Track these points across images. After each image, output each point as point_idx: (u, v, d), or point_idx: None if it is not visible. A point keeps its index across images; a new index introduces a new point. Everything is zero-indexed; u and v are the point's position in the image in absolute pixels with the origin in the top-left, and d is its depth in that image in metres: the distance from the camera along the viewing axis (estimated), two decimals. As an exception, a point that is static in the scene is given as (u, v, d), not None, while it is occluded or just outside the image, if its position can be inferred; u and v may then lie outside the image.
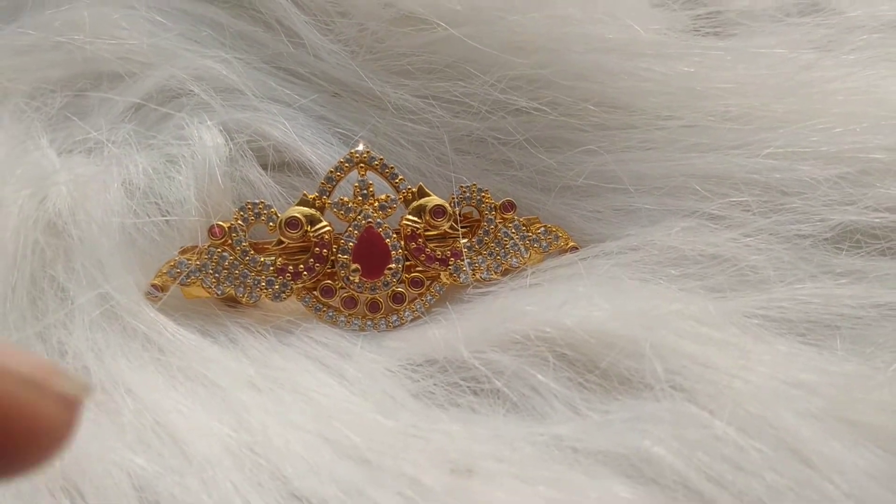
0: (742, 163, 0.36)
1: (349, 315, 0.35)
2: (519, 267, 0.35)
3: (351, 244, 0.34)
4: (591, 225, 0.37)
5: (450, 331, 0.34)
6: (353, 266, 0.34)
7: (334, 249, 0.34)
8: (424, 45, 0.39)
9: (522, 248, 0.35)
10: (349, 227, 0.34)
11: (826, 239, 0.35)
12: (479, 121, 0.38)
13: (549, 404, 0.31)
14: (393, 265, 0.34)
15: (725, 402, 0.28)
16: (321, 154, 0.37)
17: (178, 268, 0.34)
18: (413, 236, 0.34)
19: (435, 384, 0.33)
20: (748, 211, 0.36)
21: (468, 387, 0.32)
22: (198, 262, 0.34)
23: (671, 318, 0.31)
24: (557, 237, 0.35)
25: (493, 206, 0.35)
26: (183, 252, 0.34)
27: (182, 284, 0.33)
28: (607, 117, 0.37)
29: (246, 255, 0.34)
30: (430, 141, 0.38)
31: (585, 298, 0.32)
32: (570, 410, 0.31)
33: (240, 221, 0.34)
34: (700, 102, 0.36)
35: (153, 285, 0.34)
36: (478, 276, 0.34)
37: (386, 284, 0.34)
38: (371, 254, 0.34)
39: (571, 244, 0.35)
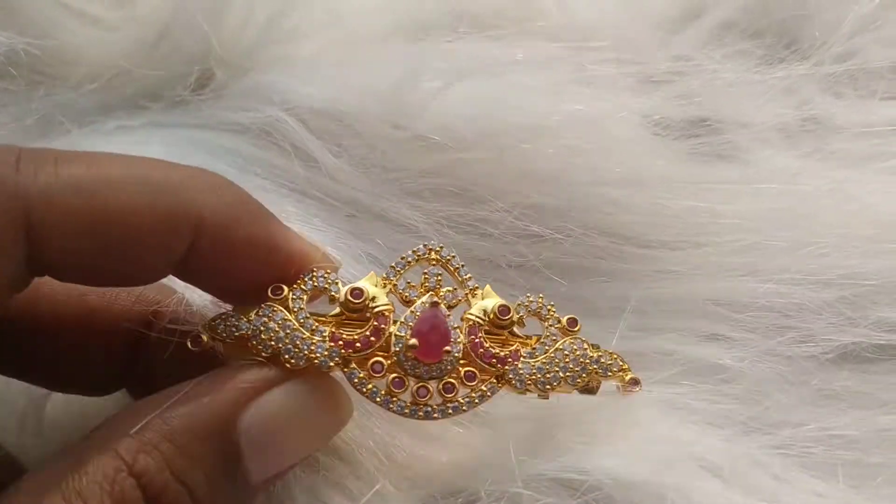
0: (747, 288, 0.37)
1: (395, 397, 0.32)
2: (573, 389, 0.33)
3: (411, 324, 0.32)
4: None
5: (471, 460, 0.35)
6: (411, 341, 0.31)
7: (393, 328, 0.32)
8: (435, 167, 0.41)
9: (580, 367, 0.32)
10: (412, 309, 0.32)
11: (828, 360, 0.37)
12: (492, 243, 0.40)
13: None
14: (451, 349, 0.32)
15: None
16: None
17: (228, 321, 0.31)
18: (474, 330, 0.32)
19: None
20: (754, 333, 0.37)
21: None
22: (249, 318, 0.31)
23: (686, 462, 0.32)
24: (618, 365, 0.33)
25: (557, 319, 0.33)
26: (237, 308, 0.32)
27: (227, 340, 0.31)
28: (618, 247, 0.38)
29: (301, 318, 0.31)
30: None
31: (605, 438, 0.33)
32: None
33: (302, 287, 0.32)
34: (706, 236, 0.37)
35: (198, 337, 0.31)
36: (533, 385, 0.32)
37: (440, 370, 0.31)
38: (431, 333, 0.32)
39: (631, 376, 0.33)
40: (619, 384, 0.33)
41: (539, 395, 0.33)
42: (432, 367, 0.31)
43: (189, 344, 0.30)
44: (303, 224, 0.41)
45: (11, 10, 0.49)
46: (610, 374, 0.33)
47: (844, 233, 0.38)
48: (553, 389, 0.32)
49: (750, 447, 0.34)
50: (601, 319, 0.38)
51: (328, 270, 0.32)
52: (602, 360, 0.33)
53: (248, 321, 0.31)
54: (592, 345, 0.33)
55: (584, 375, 0.32)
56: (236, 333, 0.30)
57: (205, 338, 0.31)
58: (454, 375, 0.32)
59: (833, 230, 0.38)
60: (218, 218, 0.29)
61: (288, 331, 0.31)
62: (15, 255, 0.27)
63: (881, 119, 0.44)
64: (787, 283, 0.37)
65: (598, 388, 0.33)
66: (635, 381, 0.33)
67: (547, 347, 0.33)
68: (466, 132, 0.40)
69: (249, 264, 0.30)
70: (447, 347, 0.31)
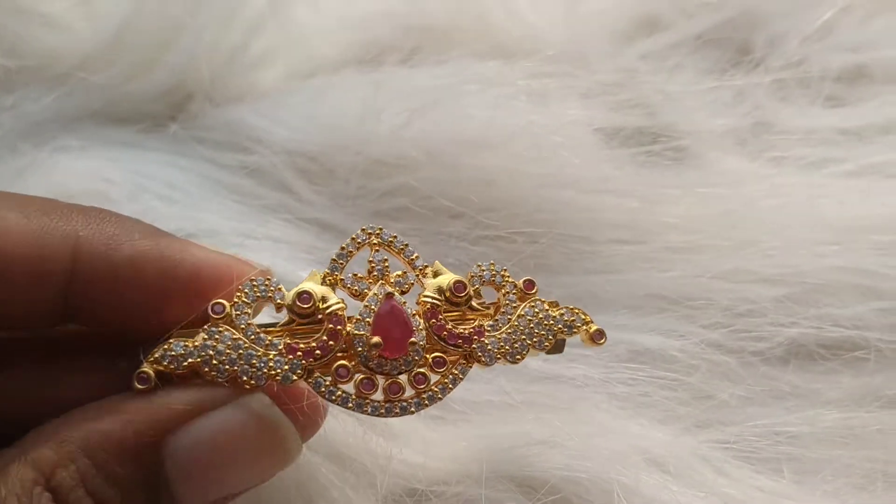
0: (693, 284, 0.38)
1: (367, 399, 0.30)
2: (540, 351, 0.31)
3: (369, 320, 0.30)
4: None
5: (426, 459, 0.36)
6: (374, 339, 0.29)
7: (349, 327, 0.30)
8: (397, 187, 0.42)
9: (545, 329, 0.31)
10: (365, 303, 0.30)
11: (775, 356, 0.38)
12: (450, 248, 0.41)
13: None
14: (416, 339, 0.30)
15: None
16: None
17: (172, 350, 0.28)
18: (433, 312, 0.31)
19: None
20: (705, 328, 0.38)
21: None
22: (195, 344, 0.28)
23: (635, 458, 0.33)
24: (581, 320, 0.32)
25: (513, 284, 0.32)
26: (174, 335, 0.29)
27: (177, 371, 0.28)
28: (567, 246, 0.39)
29: (250, 334, 0.29)
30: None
31: (554, 434, 0.34)
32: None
33: (244, 299, 0.29)
34: (650, 234, 0.38)
35: (142, 374, 0.28)
36: (502, 357, 0.31)
37: (408, 363, 0.30)
38: (392, 328, 0.30)
39: (596, 328, 0.32)
40: (585, 337, 0.32)
41: (508, 363, 0.32)
42: (399, 361, 0.30)
43: (136, 383, 0.27)
44: (272, 242, 0.43)
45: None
46: (575, 329, 0.31)
47: (789, 234, 0.39)
48: (522, 358, 0.31)
49: (696, 442, 0.35)
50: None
51: (267, 278, 0.30)
52: (565, 318, 0.31)
53: (195, 347, 0.28)
54: (551, 303, 0.32)
55: (550, 338, 0.31)
56: (184, 363, 0.28)
57: (150, 372, 0.28)
58: (423, 364, 0.30)
59: (778, 232, 0.39)
60: (96, 237, 0.28)
61: (240, 351, 0.28)
62: None
63: (827, 125, 0.46)
64: (733, 281, 0.38)
65: (563, 346, 0.32)
66: (601, 333, 0.32)
67: (508, 316, 0.31)
68: (419, 152, 0.42)
69: (146, 284, 0.28)
70: (412, 339, 0.30)
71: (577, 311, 0.32)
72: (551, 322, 0.31)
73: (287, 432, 0.28)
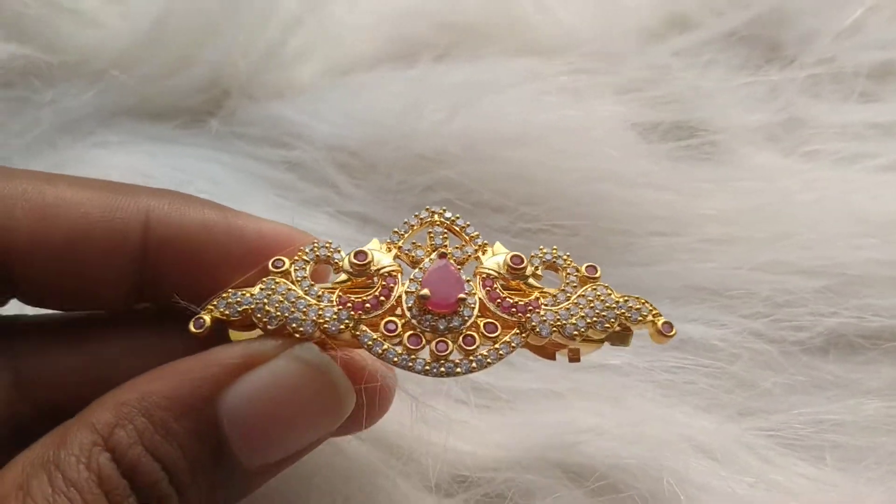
0: (733, 275, 0.39)
1: (413, 356, 0.29)
2: (600, 338, 0.30)
3: (420, 279, 0.30)
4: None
5: (477, 447, 0.36)
6: (423, 291, 0.28)
7: (403, 287, 0.29)
8: (438, 181, 0.43)
9: (608, 311, 0.29)
10: (421, 266, 0.30)
11: (815, 346, 0.38)
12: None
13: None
14: (464, 296, 0.29)
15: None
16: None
17: (228, 298, 0.29)
18: (489, 282, 0.30)
19: (465, 501, 0.35)
20: (746, 318, 0.39)
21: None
22: (251, 292, 0.29)
23: (681, 445, 0.34)
24: (648, 310, 0.30)
25: (575, 268, 0.31)
26: (235, 286, 0.30)
27: (232, 318, 0.29)
28: (608, 238, 0.40)
29: (305, 286, 0.29)
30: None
31: (602, 422, 0.35)
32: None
33: (304, 258, 0.30)
34: (687, 227, 0.39)
35: (198, 319, 0.28)
36: (557, 331, 0.29)
37: (459, 322, 0.29)
38: (442, 282, 0.29)
39: (664, 320, 0.29)
40: (652, 330, 0.29)
41: (569, 353, 0.31)
42: (449, 320, 0.29)
43: (191, 327, 0.28)
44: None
45: (15, 22, 0.50)
46: (640, 318, 0.29)
47: (825, 227, 0.40)
48: (581, 336, 0.29)
49: (740, 430, 0.35)
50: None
51: (328, 242, 0.30)
52: (630, 305, 0.29)
53: (252, 295, 0.29)
54: (615, 291, 0.30)
55: (611, 321, 0.29)
56: (239, 309, 0.28)
57: (206, 318, 0.28)
58: (473, 328, 0.29)
59: (814, 225, 0.40)
60: (166, 208, 0.29)
61: (293, 300, 0.29)
62: None
63: (859, 120, 0.46)
64: (772, 272, 0.39)
65: (629, 338, 0.30)
66: (669, 326, 0.29)
67: (568, 294, 0.30)
68: (459, 147, 0.42)
69: (215, 247, 0.30)
70: (461, 294, 0.29)
71: (643, 300, 0.30)
72: (614, 306, 0.29)
73: (338, 378, 0.28)
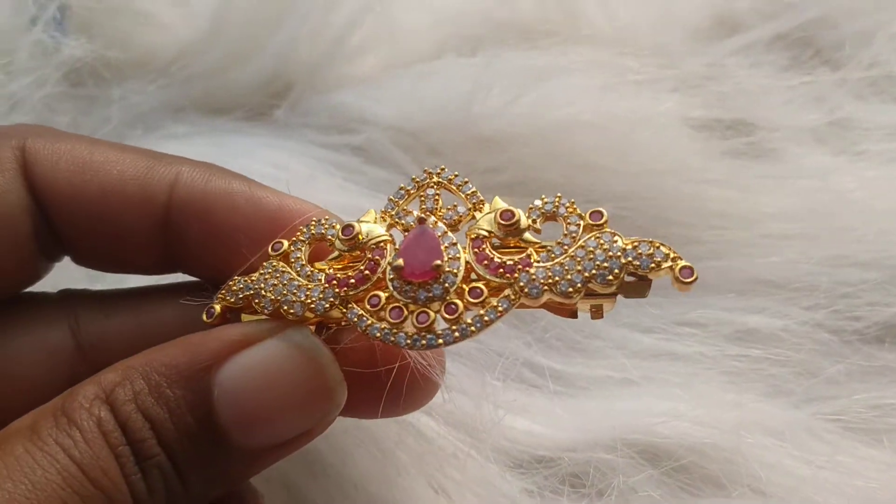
0: (795, 269, 0.41)
1: (395, 329, 0.27)
2: (607, 292, 0.26)
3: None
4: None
5: (552, 429, 0.38)
6: (397, 262, 0.27)
7: (388, 258, 0.28)
8: (502, 164, 0.44)
9: (610, 262, 0.26)
10: (404, 233, 0.29)
11: (872, 335, 0.40)
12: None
13: (647, 501, 0.36)
14: (443, 264, 0.27)
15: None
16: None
17: (234, 286, 0.30)
18: (478, 242, 0.28)
19: (545, 479, 0.37)
20: (807, 309, 0.41)
21: (571, 485, 0.37)
22: (252, 278, 0.29)
23: (751, 427, 0.36)
24: (663, 253, 0.26)
25: (579, 216, 0.27)
26: (241, 274, 0.31)
27: (236, 304, 0.30)
28: (671, 231, 0.42)
29: (299, 267, 0.29)
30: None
31: (675, 406, 0.37)
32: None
33: (301, 238, 0.30)
34: (747, 222, 0.41)
35: (210, 308, 0.30)
36: (549, 290, 0.26)
37: (442, 291, 0.27)
38: (420, 250, 0.28)
39: (683, 263, 0.25)
40: (671, 276, 0.26)
41: (590, 309, 0.28)
42: (430, 288, 0.27)
43: (203, 316, 0.30)
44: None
45: (84, 21, 0.52)
46: (653, 265, 0.25)
47: (879, 223, 0.42)
48: (579, 293, 0.26)
49: (805, 415, 0.37)
50: (660, 295, 0.42)
51: (326, 217, 0.30)
52: (640, 251, 0.26)
53: (251, 281, 0.29)
54: (624, 237, 0.27)
55: (616, 271, 0.25)
56: (241, 296, 0.29)
57: (217, 307, 0.30)
58: (457, 294, 0.27)
59: (868, 221, 0.42)
60: (194, 173, 0.32)
61: (286, 281, 0.29)
62: (26, 234, 0.31)
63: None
64: (831, 266, 0.41)
65: (647, 287, 0.26)
66: (689, 270, 0.25)
67: (566, 246, 0.27)
68: (524, 130, 0.44)
69: (235, 219, 0.31)
70: (436, 262, 0.27)
71: (657, 243, 0.26)
72: (619, 254, 0.26)
73: (327, 363, 0.28)
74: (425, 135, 0.46)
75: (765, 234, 0.42)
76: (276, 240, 0.30)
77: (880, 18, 0.49)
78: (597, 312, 0.28)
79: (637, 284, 0.26)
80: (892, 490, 0.36)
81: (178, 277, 0.35)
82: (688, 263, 0.25)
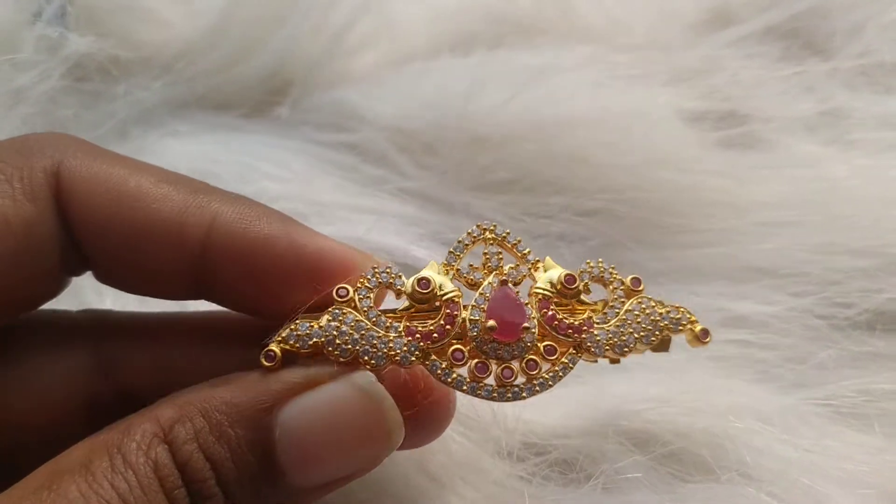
0: (786, 256, 0.41)
1: (481, 383, 0.30)
2: (647, 347, 0.32)
3: (483, 306, 0.31)
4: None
5: (544, 417, 0.39)
6: (490, 323, 0.30)
7: (465, 314, 0.31)
8: (498, 162, 0.45)
9: (652, 325, 0.32)
10: (480, 291, 0.32)
11: (861, 321, 0.41)
12: (551, 222, 0.44)
13: (635, 486, 0.36)
14: (528, 325, 0.31)
15: (786, 488, 0.34)
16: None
17: (298, 330, 0.30)
18: (545, 303, 0.32)
19: (536, 466, 0.38)
20: (796, 296, 0.41)
21: (561, 470, 0.38)
22: (320, 324, 0.30)
23: (741, 412, 0.36)
24: (687, 318, 0.32)
25: (621, 281, 0.33)
26: (302, 317, 0.31)
27: (302, 350, 0.30)
28: (665, 221, 0.42)
29: (372, 317, 0.30)
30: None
31: (665, 392, 0.37)
32: (653, 492, 0.36)
33: (367, 284, 0.31)
34: (742, 211, 0.42)
35: (269, 351, 0.29)
36: (609, 349, 0.32)
37: (520, 349, 0.31)
38: (507, 312, 0.31)
39: (701, 327, 0.32)
40: (691, 337, 0.33)
41: (611, 360, 0.33)
42: (513, 347, 0.31)
43: (262, 360, 0.29)
44: (378, 215, 0.46)
45: (90, 18, 0.53)
46: (681, 327, 0.32)
47: (870, 211, 0.42)
48: (630, 351, 0.32)
49: (794, 400, 0.38)
50: (653, 283, 0.42)
51: (388, 266, 0.31)
52: (671, 315, 0.32)
53: (321, 327, 0.30)
54: (657, 301, 0.33)
55: (657, 333, 0.32)
56: (310, 342, 0.30)
57: (277, 350, 0.29)
58: (534, 352, 0.31)
59: (859, 210, 0.42)
60: (232, 215, 0.31)
61: (363, 332, 0.30)
62: (54, 261, 0.30)
63: (896, 111, 0.48)
64: (823, 253, 0.41)
65: (669, 344, 0.33)
66: (706, 332, 0.32)
67: (617, 310, 0.32)
68: (519, 128, 0.45)
69: (275, 262, 0.31)
70: (526, 324, 0.31)
71: (682, 309, 0.33)
72: (658, 318, 0.32)
73: (389, 408, 0.29)
74: (422, 133, 0.47)
75: (757, 223, 0.43)
76: (341, 285, 0.31)
77: (870, 9, 0.49)
78: (615, 360, 0.33)
79: (664, 341, 0.33)
80: (881, 474, 0.36)
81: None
82: (705, 327, 0.32)
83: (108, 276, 0.33)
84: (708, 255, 0.42)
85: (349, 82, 0.51)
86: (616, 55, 0.50)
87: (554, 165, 0.45)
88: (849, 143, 0.46)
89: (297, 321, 0.30)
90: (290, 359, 0.30)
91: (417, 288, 0.31)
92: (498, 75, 0.48)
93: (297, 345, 0.29)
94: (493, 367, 0.31)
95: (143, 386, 0.34)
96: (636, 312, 0.32)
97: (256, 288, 0.31)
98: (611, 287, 0.33)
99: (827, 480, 0.35)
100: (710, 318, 0.41)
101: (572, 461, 0.38)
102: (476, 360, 0.30)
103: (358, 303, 0.31)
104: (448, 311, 0.31)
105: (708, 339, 0.32)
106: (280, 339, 0.30)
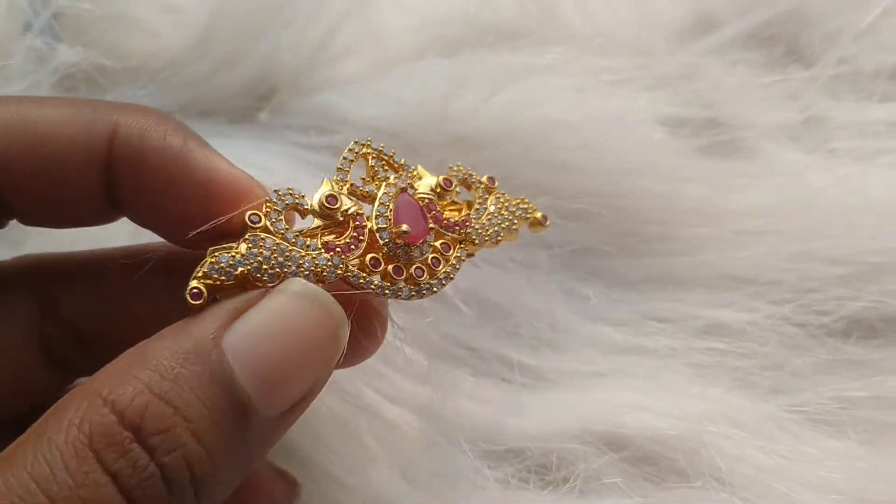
0: (764, 264, 0.42)
1: (398, 285, 0.32)
2: (510, 238, 0.36)
3: (387, 214, 0.32)
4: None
5: (522, 421, 0.39)
6: (404, 227, 0.32)
7: (372, 223, 0.32)
8: (479, 163, 0.45)
9: (511, 215, 0.36)
10: (380, 200, 0.33)
11: (838, 329, 0.41)
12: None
13: (611, 490, 0.37)
14: (433, 226, 0.33)
15: (760, 493, 0.34)
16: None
17: (219, 263, 0.29)
18: (430, 206, 0.34)
19: (513, 468, 0.38)
20: (774, 304, 0.41)
21: (538, 474, 0.38)
22: (241, 253, 0.29)
23: (717, 419, 0.36)
24: (530, 208, 0.36)
25: (480, 181, 0.36)
26: (215, 250, 0.29)
27: (228, 281, 0.29)
28: (641, 227, 0.43)
29: (290, 238, 0.30)
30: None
31: (642, 398, 0.38)
32: (628, 497, 0.36)
33: (275, 208, 0.31)
34: (719, 219, 0.42)
35: (193, 289, 0.28)
36: (487, 240, 0.35)
37: (423, 250, 0.33)
38: (411, 216, 0.33)
39: (539, 213, 0.36)
40: (535, 223, 0.36)
41: (488, 246, 0.35)
42: (420, 248, 0.32)
43: (189, 299, 0.28)
44: None
45: (79, 28, 0.53)
46: (528, 216, 0.36)
47: (849, 220, 0.43)
48: (503, 239, 0.35)
49: (771, 407, 0.38)
50: (632, 290, 0.43)
51: (289, 188, 0.31)
52: (521, 206, 0.36)
53: (243, 256, 0.29)
54: (508, 197, 0.36)
55: (515, 221, 0.36)
56: (235, 273, 0.28)
57: (202, 287, 0.28)
58: (434, 250, 0.33)
59: (838, 218, 0.43)
60: (133, 127, 0.30)
61: (286, 254, 0.30)
62: None
63: (878, 119, 0.49)
64: (800, 261, 0.41)
65: (518, 231, 0.36)
66: (545, 217, 0.37)
67: (484, 206, 0.36)
68: (500, 130, 0.45)
69: (167, 175, 0.30)
70: (431, 225, 0.33)
71: (525, 200, 0.37)
72: (514, 209, 0.36)
73: (329, 303, 0.28)
74: (403, 134, 0.47)
75: (736, 231, 0.43)
76: (252, 211, 0.30)
77: (851, 16, 0.49)
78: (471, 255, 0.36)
79: (513, 230, 0.36)
80: (855, 481, 0.36)
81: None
82: (543, 213, 0.37)
83: (31, 216, 0.32)
84: (687, 263, 0.42)
85: (332, 87, 0.51)
86: (597, 60, 0.50)
87: (534, 169, 0.45)
88: (829, 152, 0.46)
89: (217, 254, 0.29)
90: (216, 293, 0.29)
91: (326, 204, 0.32)
92: (478, 76, 0.48)
93: (223, 277, 0.28)
94: (408, 269, 0.32)
95: (94, 328, 0.34)
96: (498, 206, 0.36)
97: (155, 200, 0.31)
98: (473, 188, 0.36)
99: (801, 486, 0.36)
100: (688, 325, 0.41)
101: (549, 464, 0.38)
102: (392, 265, 0.32)
103: (271, 226, 0.30)
104: (356, 223, 0.32)
105: (547, 223, 0.37)
106: (202, 274, 0.29)
